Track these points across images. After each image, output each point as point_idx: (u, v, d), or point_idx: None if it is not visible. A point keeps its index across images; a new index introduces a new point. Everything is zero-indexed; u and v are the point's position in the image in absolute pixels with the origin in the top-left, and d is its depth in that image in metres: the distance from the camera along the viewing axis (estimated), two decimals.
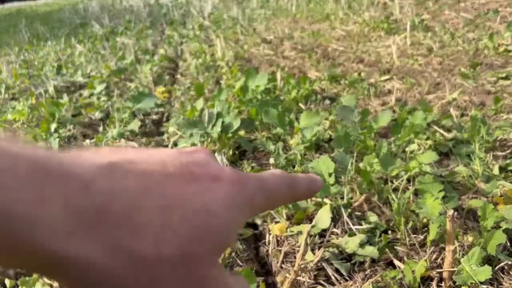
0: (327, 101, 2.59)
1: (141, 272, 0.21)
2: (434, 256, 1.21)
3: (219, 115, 2.07)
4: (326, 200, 1.48)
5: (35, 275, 1.30)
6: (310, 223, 1.47)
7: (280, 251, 1.36)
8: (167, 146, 2.32)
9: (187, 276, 0.22)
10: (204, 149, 0.29)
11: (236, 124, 2.01)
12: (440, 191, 1.32)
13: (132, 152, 0.25)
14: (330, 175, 1.47)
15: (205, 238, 0.23)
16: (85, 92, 3.34)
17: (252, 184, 0.27)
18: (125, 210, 0.21)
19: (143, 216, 0.21)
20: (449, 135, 1.90)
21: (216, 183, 0.25)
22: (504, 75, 2.57)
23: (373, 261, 1.25)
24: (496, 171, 1.60)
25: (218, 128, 2.00)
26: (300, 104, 2.55)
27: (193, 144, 1.97)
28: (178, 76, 3.77)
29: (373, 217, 1.42)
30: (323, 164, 1.50)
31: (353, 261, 1.26)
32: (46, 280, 1.31)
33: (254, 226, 1.57)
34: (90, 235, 0.20)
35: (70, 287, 0.20)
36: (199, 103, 2.27)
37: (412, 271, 1.13)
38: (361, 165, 1.66)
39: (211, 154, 0.28)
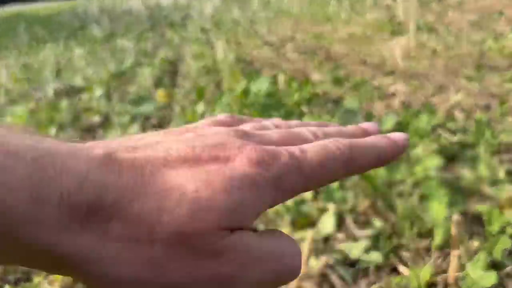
0: (330, 104, 2.57)
1: (134, 255, 0.20)
2: (439, 261, 1.20)
3: None
4: (330, 205, 1.46)
5: (35, 281, 1.28)
6: (314, 228, 1.46)
7: None
8: None
9: (190, 253, 0.21)
10: (228, 121, 0.28)
11: None
12: (445, 195, 1.31)
13: (138, 137, 0.24)
14: None
15: (209, 214, 0.21)
16: (85, 96, 3.32)
17: (282, 164, 0.23)
18: (117, 203, 0.20)
19: (136, 205, 0.20)
20: (454, 139, 1.88)
21: (227, 164, 0.22)
22: (509, 77, 2.55)
23: (377, 267, 1.23)
24: (502, 175, 1.58)
25: None
26: (303, 108, 2.53)
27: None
28: (179, 79, 3.76)
29: (378, 222, 1.41)
30: None
31: (357, 267, 1.25)
32: (47, 285, 1.29)
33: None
34: (83, 229, 0.20)
35: (78, 280, 0.21)
36: (200, 107, 2.26)
37: (417, 277, 1.12)
38: None
39: (235, 129, 0.25)
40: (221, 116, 0.30)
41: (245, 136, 0.25)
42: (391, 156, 0.27)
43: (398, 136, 0.28)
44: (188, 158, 0.22)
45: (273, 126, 0.29)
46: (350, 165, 0.25)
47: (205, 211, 0.21)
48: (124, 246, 0.20)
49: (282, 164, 0.23)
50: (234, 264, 0.21)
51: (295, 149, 0.24)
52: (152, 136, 0.25)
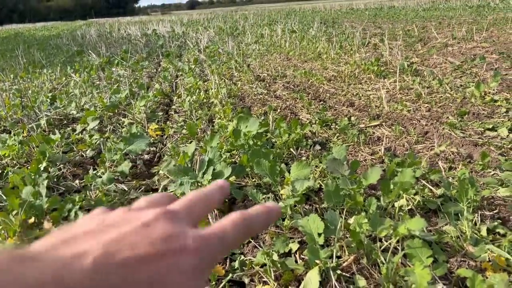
0: (318, 147, 2.62)
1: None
2: None
3: (210, 162, 2.07)
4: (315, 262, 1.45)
5: None
6: (299, 284, 1.45)
7: None
8: (157, 190, 2.29)
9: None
10: (164, 213, 0.33)
11: (227, 172, 2.01)
12: (429, 256, 1.31)
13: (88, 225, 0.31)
14: (319, 235, 1.46)
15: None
16: (78, 127, 3.32)
17: (215, 244, 0.32)
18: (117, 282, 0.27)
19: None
20: (437, 191, 1.91)
21: (182, 255, 0.30)
22: (490, 126, 2.63)
23: None
24: (484, 232, 1.61)
25: (209, 176, 1.99)
26: (291, 149, 2.57)
27: (183, 194, 1.96)
28: (172, 112, 3.79)
29: (361, 281, 1.40)
30: (313, 223, 1.49)
31: None
32: None
33: (242, 284, 1.53)
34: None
35: None
36: (191, 148, 2.27)
37: None
38: (350, 221, 1.66)
39: (171, 216, 0.33)
40: (156, 196, 0.39)
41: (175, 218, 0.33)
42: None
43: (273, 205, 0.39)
44: (151, 253, 0.29)
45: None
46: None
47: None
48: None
49: (215, 245, 0.33)
50: None
51: (217, 229, 0.34)
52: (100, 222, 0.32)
